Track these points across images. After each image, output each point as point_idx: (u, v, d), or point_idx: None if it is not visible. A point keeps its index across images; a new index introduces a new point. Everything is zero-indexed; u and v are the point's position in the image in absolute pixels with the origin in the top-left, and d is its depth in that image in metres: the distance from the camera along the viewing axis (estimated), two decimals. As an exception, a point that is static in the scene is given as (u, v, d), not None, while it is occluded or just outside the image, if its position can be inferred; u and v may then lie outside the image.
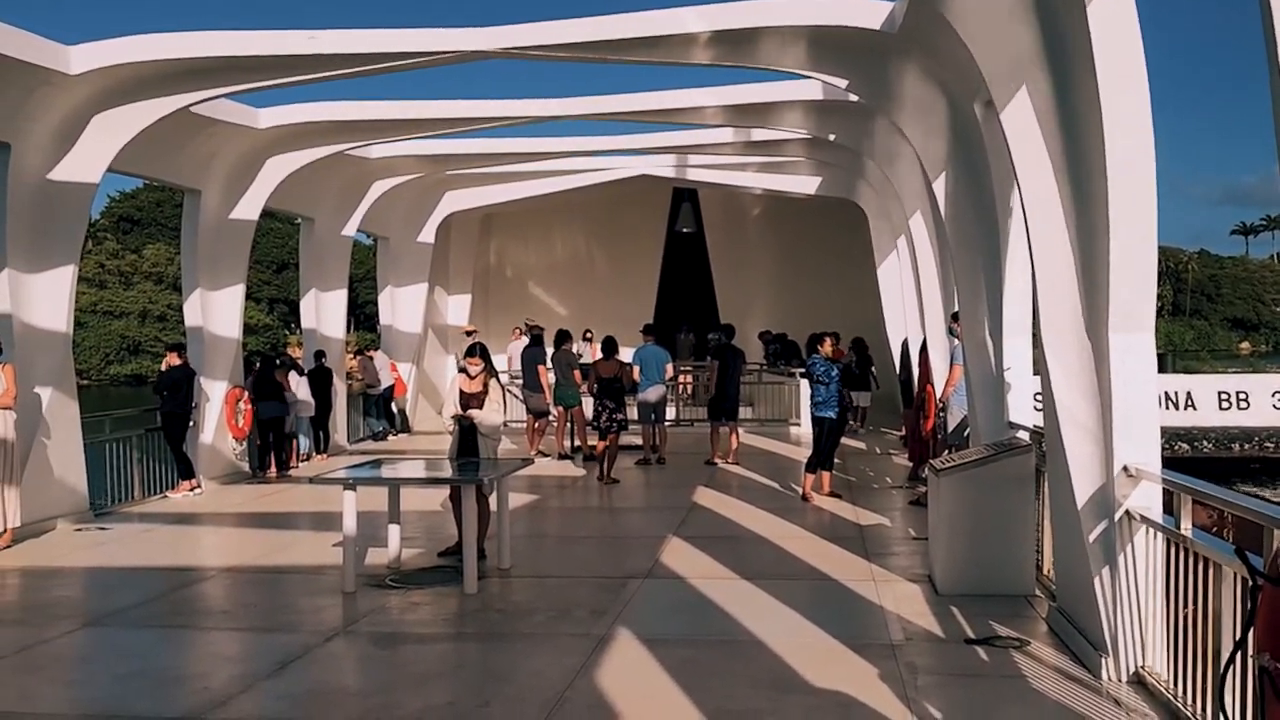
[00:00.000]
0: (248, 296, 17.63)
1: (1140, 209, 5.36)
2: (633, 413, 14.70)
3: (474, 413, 8.43)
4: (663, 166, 19.37)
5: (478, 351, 8.60)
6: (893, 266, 17.99)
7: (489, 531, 8.40)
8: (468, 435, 8.53)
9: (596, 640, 6.20)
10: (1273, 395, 20.16)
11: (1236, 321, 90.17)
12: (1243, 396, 20.76)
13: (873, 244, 19.24)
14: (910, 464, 12.90)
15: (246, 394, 13.69)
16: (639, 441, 14.82)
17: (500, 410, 8.66)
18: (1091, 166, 5.50)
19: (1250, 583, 3.41)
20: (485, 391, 8.49)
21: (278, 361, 14.98)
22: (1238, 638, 3.68)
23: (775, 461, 14.90)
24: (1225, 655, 4.12)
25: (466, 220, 22.36)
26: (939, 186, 9.33)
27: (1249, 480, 19.00)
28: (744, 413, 19.57)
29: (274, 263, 64.51)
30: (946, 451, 9.75)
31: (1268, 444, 19.67)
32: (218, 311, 13.44)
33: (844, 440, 12.82)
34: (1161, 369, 28.08)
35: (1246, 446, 20.17)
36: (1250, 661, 3.44)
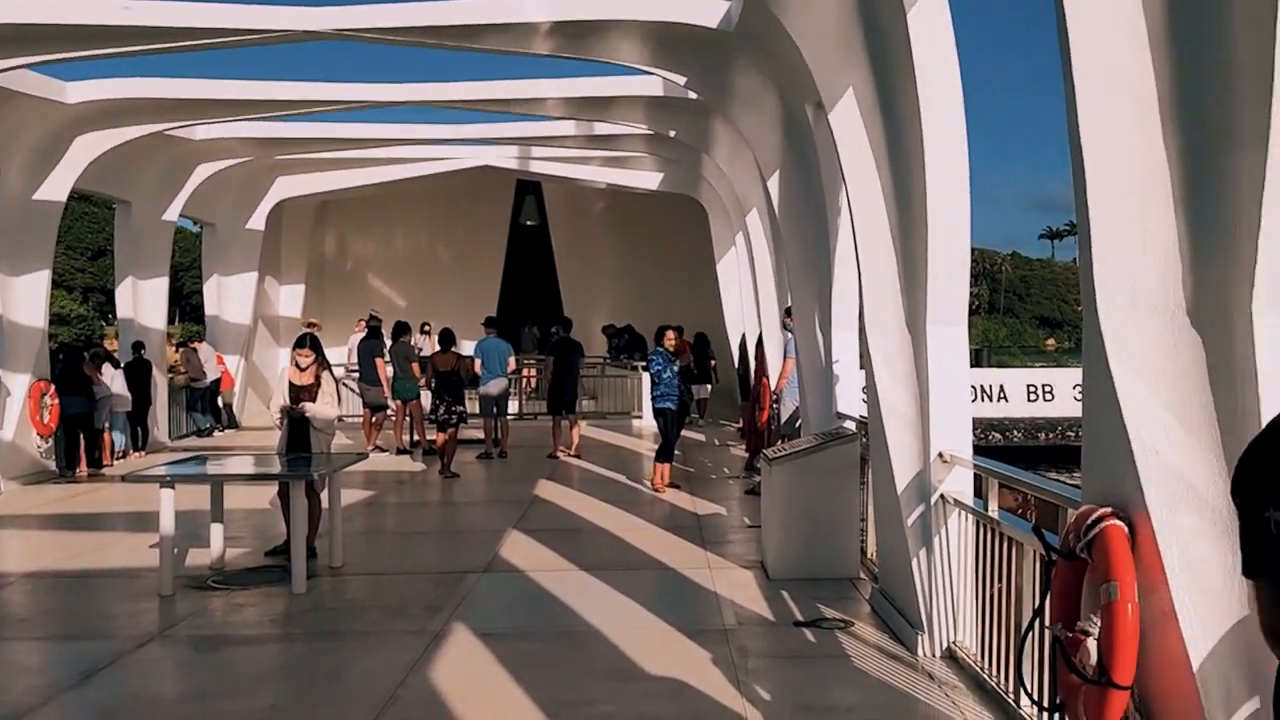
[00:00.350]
0: (59, 285, 16.45)
1: (955, 209, 5.66)
2: (474, 406, 14.55)
3: (306, 405, 8.13)
4: (506, 158, 19.20)
5: (308, 343, 8.29)
6: (732, 262, 18.43)
7: (320, 529, 8.13)
8: (299, 429, 8.23)
9: (431, 637, 6.09)
10: (1074, 388, 21.72)
11: (1044, 320, 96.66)
12: (1048, 389, 22.33)
13: (713, 240, 19.64)
14: (747, 454, 13.26)
15: (52, 388, 12.77)
16: (481, 435, 14.68)
17: (334, 403, 8.39)
18: (911, 168, 5.77)
19: (1046, 558, 3.67)
20: (317, 384, 8.20)
21: (86, 354, 14.02)
22: (1035, 610, 3.95)
23: (617, 454, 15.03)
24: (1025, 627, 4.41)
25: (300, 207, 21.55)
26: (773, 185, 9.60)
27: (1053, 466, 20.42)
28: (587, 405, 19.71)
29: (89, 249, 60.26)
30: (780, 442, 10.06)
31: (1069, 433, 21.19)
32: (19, 300, 12.45)
33: (684, 433, 13.05)
34: (977, 364, 29.83)
35: (1051, 435, 21.69)
36: (1046, 632, 3.69)
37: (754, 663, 5.61)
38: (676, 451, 12.00)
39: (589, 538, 9.16)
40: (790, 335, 10.61)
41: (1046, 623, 3.60)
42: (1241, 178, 2.87)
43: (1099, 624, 3.14)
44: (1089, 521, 3.25)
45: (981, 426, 21.34)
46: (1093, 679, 3.08)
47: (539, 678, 5.36)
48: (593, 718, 4.87)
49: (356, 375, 15.87)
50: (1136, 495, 3.18)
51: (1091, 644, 3.17)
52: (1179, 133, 3.20)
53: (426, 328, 18.56)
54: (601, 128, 15.02)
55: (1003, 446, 21.02)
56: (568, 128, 15.65)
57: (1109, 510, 3.25)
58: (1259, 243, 2.80)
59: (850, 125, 6.48)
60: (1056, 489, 4.47)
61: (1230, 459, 2.98)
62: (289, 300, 22.23)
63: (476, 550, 8.53)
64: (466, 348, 15.37)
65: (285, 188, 19.27)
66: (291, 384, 8.22)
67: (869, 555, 7.68)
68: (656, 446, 11.87)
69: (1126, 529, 3.20)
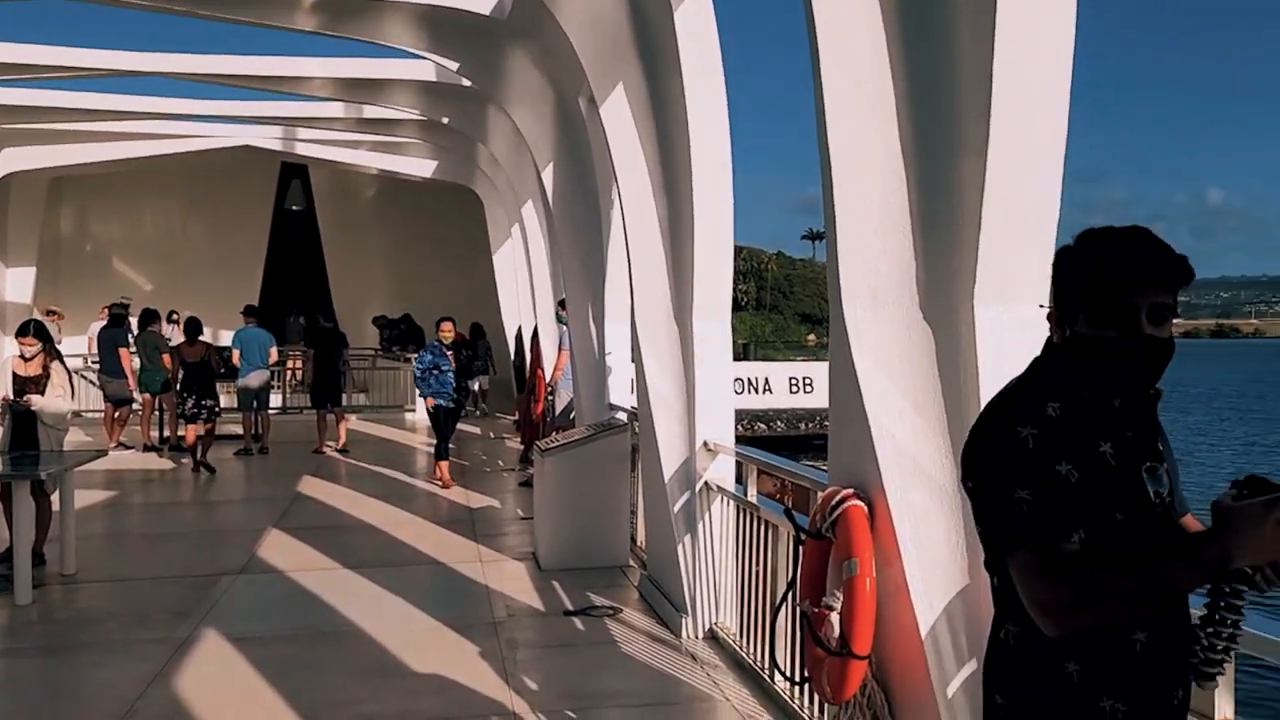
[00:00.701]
0: None
1: (719, 207, 5.86)
2: (233, 400, 13.74)
3: (33, 398, 7.39)
4: (268, 138, 18.20)
5: (31, 330, 7.52)
6: (508, 253, 18.32)
7: (50, 533, 7.41)
8: (24, 425, 7.46)
9: (177, 644, 5.69)
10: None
11: (805, 316, 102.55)
12: (808, 382, 23.62)
13: (489, 231, 19.46)
14: (522, 447, 13.22)
15: None
16: (240, 430, 13.87)
17: (67, 396, 7.66)
18: (678, 165, 5.93)
19: (797, 539, 3.86)
20: (46, 375, 7.47)
21: None
22: (786, 588, 4.16)
23: (388, 448, 14.63)
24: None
25: (30, 182, 19.49)
26: (548, 176, 9.62)
27: (813, 454, 21.64)
28: (358, 399, 19.06)
29: None
30: (554, 433, 10.09)
31: (827, 423, 22.50)
32: None
33: (460, 426, 12.85)
34: (745, 357, 31.13)
35: (811, 425, 22.95)
36: (797, 609, 3.89)
37: (523, 653, 5.61)
38: (450, 445, 11.79)
39: (355, 535, 8.85)
40: (565, 327, 10.67)
41: (796, 600, 3.80)
42: (966, 182, 3.12)
43: (841, 599, 3.34)
44: (833, 502, 3.45)
45: (748, 417, 22.31)
46: (835, 651, 3.27)
47: (297, 681, 5.12)
48: (353, 719, 4.70)
49: (97, 367, 14.61)
50: (875, 477, 3.41)
51: (835, 618, 3.37)
52: (914, 141, 3.44)
53: (175, 316, 17.28)
54: (372, 111, 14.52)
55: (768, 436, 22.05)
56: (336, 109, 15.02)
57: (851, 491, 3.46)
58: (980, 242, 3.06)
59: (621, 120, 6.58)
60: (809, 473, 4.73)
61: (955, 442, 3.24)
62: (17, 285, 20.10)
63: (232, 551, 8.06)
64: (225, 338, 14.50)
65: (11, 160, 17.40)
66: (15, 375, 7.45)
67: (639, 543, 7.84)
68: (433, 443, 11.62)
69: (866, 509, 3.42)
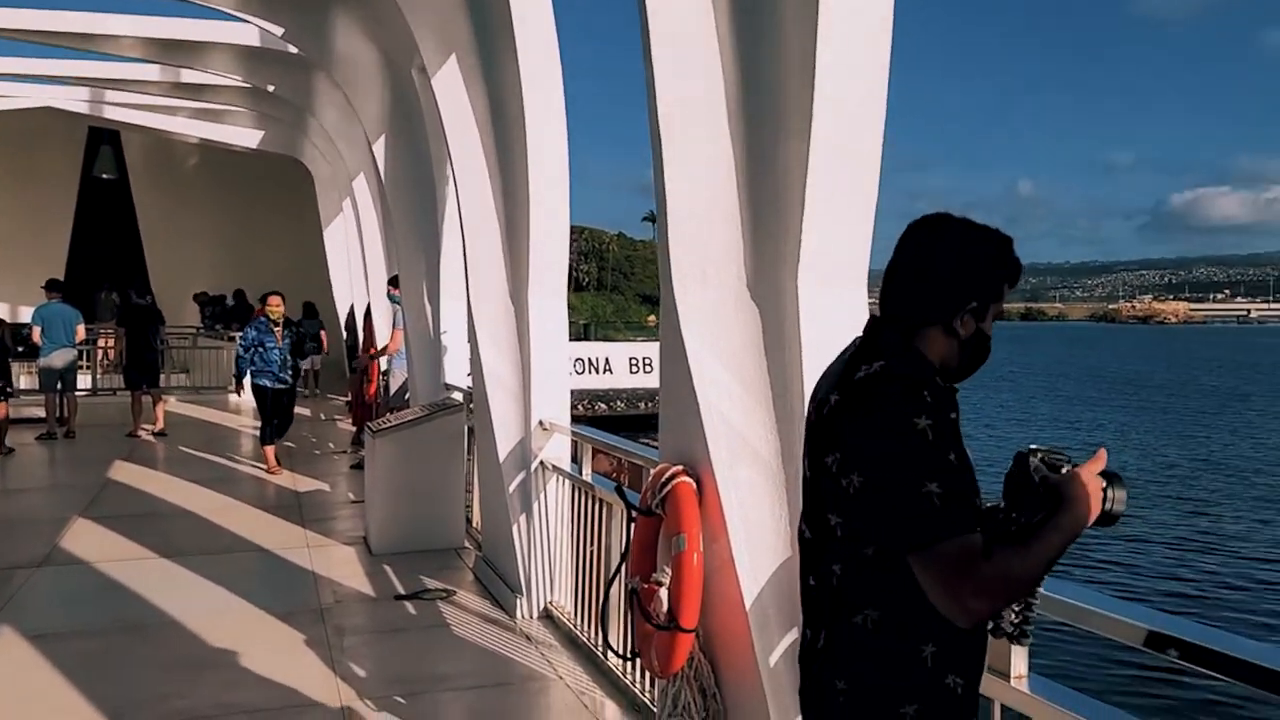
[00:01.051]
0: None
1: (555, 185, 5.81)
2: (35, 380, 12.76)
3: None
4: (73, 100, 16.91)
5: None
6: (340, 229, 17.71)
7: None
8: None
9: (-34, 645, 5.25)
10: (670, 360, 23.42)
11: (645, 297, 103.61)
12: (648, 362, 23.89)
13: (319, 205, 18.74)
14: (354, 428, 12.83)
15: None
16: (43, 413, 12.90)
17: None
18: (514, 141, 5.84)
19: (629, 516, 3.89)
20: None
21: None
22: (618, 566, 4.18)
23: (211, 431, 13.93)
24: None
25: None
26: (380, 149, 9.32)
27: (652, 433, 21.88)
28: (179, 379, 18.08)
29: None
30: (387, 414, 9.83)
31: (666, 402, 22.83)
32: None
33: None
34: (586, 337, 31.19)
35: (650, 405, 23.24)
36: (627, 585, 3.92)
37: (350, 640, 5.45)
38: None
39: (172, 522, 8.38)
40: (399, 306, 10.38)
41: (628, 576, 3.83)
42: (791, 166, 3.19)
43: (670, 574, 3.38)
44: (663, 479, 3.49)
45: (589, 397, 22.40)
46: (662, 625, 3.32)
47: (104, 677, 4.82)
48: (164, 715, 4.45)
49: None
50: (703, 453, 3.46)
51: (664, 593, 3.41)
52: (743, 125, 3.49)
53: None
54: (190, 75, 13.69)
55: (608, 416, 22.18)
56: (150, 72, 14.10)
57: (680, 468, 3.51)
58: (803, 224, 3.14)
59: (454, 94, 6.43)
60: (642, 451, 4.76)
61: (781, 418, 3.33)
62: None
63: (31, 542, 7.49)
64: (25, 314, 13.46)
65: None
66: None
67: (474, 524, 7.75)
68: (259, 425, 11.12)
69: (695, 485, 3.47)
